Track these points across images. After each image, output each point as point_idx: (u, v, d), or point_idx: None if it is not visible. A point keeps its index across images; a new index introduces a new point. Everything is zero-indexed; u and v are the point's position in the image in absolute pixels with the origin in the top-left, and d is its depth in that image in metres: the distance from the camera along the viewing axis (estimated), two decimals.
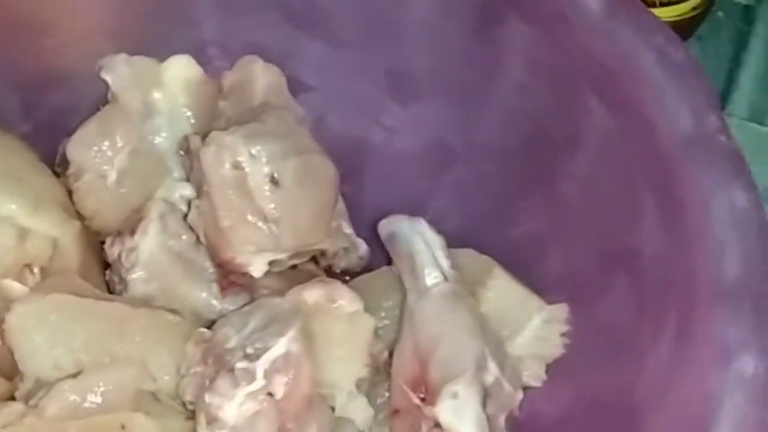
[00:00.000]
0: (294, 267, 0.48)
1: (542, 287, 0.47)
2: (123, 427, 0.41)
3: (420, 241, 0.46)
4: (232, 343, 0.41)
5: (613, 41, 0.42)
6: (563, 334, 0.46)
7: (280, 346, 0.40)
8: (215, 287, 0.47)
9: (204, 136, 0.46)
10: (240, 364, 0.40)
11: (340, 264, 0.50)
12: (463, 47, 0.48)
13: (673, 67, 0.41)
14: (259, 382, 0.39)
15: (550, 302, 0.46)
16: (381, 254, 0.51)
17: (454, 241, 0.48)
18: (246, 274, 0.46)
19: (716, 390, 0.36)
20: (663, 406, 0.39)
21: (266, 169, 0.44)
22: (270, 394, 0.40)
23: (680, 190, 0.39)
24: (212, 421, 0.40)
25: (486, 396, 0.42)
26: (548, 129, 0.46)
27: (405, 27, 0.49)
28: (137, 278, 0.47)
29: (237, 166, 0.44)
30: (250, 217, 0.44)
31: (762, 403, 0.35)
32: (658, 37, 0.41)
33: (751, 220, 0.37)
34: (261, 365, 0.40)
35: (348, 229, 0.50)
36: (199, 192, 0.46)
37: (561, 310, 0.46)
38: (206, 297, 0.47)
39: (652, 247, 0.41)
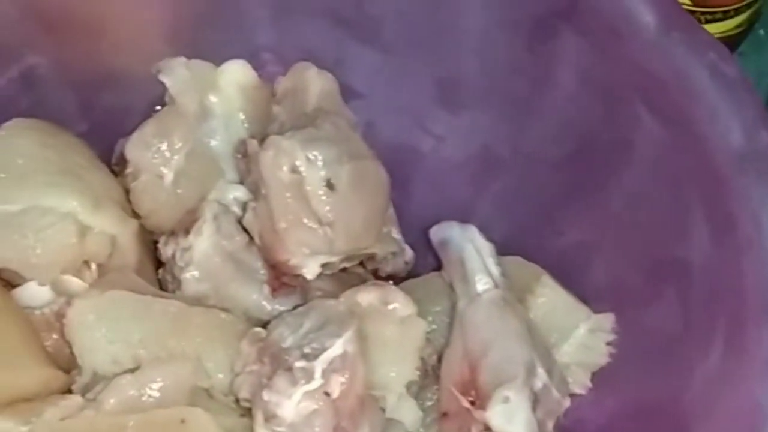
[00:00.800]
0: (344, 270, 0.49)
1: (589, 296, 0.48)
2: (183, 421, 0.42)
3: (471, 248, 0.47)
4: (288, 343, 0.42)
5: (667, 56, 0.42)
6: (609, 343, 0.47)
7: (337, 347, 0.41)
8: (266, 288, 0.48)
9: (261, 140, 0.47)
10: (298, 363, 0.41)
11: (387, 268, 0.51)
12: (515, 58, 0.49)
13: (726, 82, 0.42)
14: (317, 381, 0.40)
15: (596, 311, 0.47)
16: (425, 261, 0.52)
17: (500, 250, 0.49)
18: (299, 276, 0.47)
19: (766, 403, 0.37)
20: (711, 418, 0.40)
21: (322, 174, 0.45)
22: (327, 394, 0.41)
23: (731, 203, 0.40)
24: (270, 418, 0.40)
25: (535, 401, 0.43)
26: (597, 141, 0.47)
27: (456, 35, 0.50)
28: (191, 277, 0.48)
29: (294, 170, 0.45)
30: (305, 220, 0.45)
31: None
32: (711, 53, 0.42)
33: None
34: (319, 365, 0.41)
35: (397, 235, 0.51)
36: (256, 194, 0.47)
37: (607, 319, 0.47)
38: (257, 298, 0.48)
39: (701, 260, 0.42)
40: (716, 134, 0.41)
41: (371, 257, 0.50)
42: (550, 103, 0.49)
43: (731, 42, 0.59)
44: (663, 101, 0.43)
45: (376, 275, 0.50)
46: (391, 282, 0.51)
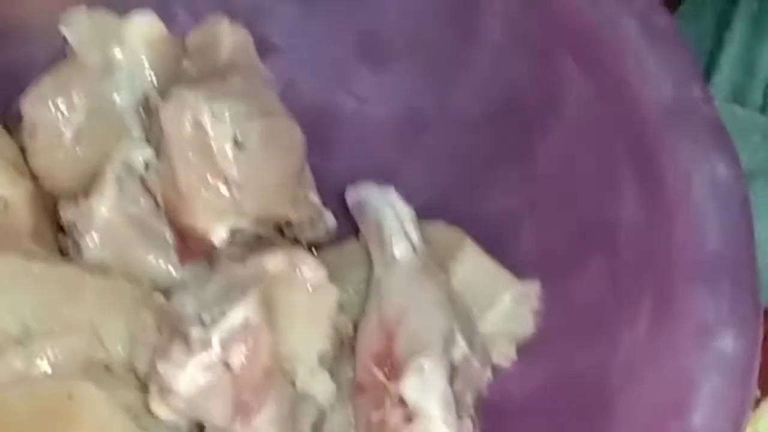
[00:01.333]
0: (259, 239, 0.46)
1: (515, 264, 0.45)
2: (70, 396, 0.39)
3: (389, 211, 0.44)
4: (188, 310, 0.39)
5: (595, 5, 0.40)
6: (535, 313, 0.44)
7: (237, 314, 0.38)
8: (174, 255, 0.45)
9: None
10: (195, 332, 0.38)
11: (307, 236, 0.48)
12: (439, 10, 0.46)
13: (656, 33, 0.39)
14: (215, 351, 0.37)
15: (523, 279, 0.45)
16: (349, 228, 0.49)
17: (424, 214, 0.46)
18: (207, 242, 0.44)
19: (694, 369, 0.35)
20: (638, 387, 0.37)
21: (229, 130, 0.42)
22: (226, 365, 0.38)
23: (660, 160, 0.38)
24: (164, 391, 0.37)
25: (453, 372, 0.40)
26: (525, 98, 0.44)
27: None
28: (91, 243, 0.45)
29: (198, 125, 0.42)
30: (211, 180, 0.42)
31: (740, 382, 0.34)
32: (641, 2, 0.40)
33: (734, 193, 0.36)
34: (217, 333, 0.38)
35: (315, 199, 0.48)
36: (159, 153, 0.44)
37: (533, 286, 0.44)
38: (164, 264, 0.45)
39: (630, 223, 0.40)
40: (645, 88, 0.38)
41: (288, 224, 0.47)
42: (476, 58, 0.46)
43: (671, 2, 0.57)
44: (590, 53, 0.40)
45: (297, 244, 0.47)
46: (313, 251, 0.48)
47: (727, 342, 0.34)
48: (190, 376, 0.37)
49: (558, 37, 0.42)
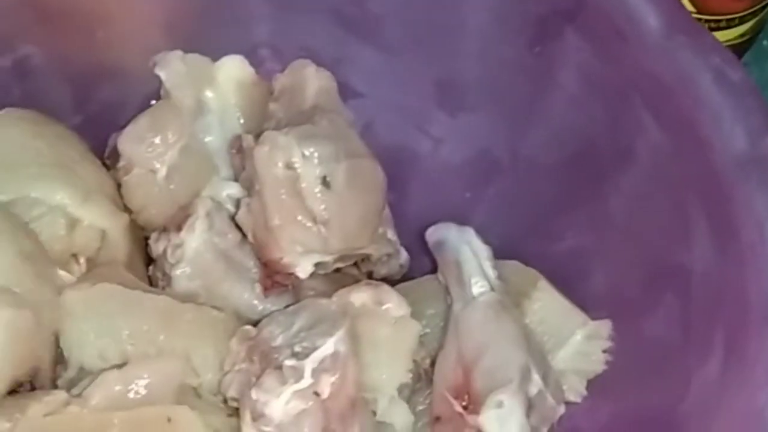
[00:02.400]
0: (338, 270, 0.48)
1: (586, 303, 0.47)
2: (169, 419, 0.41)
3: (467, 250, 0.46)
4: (278, 342, 0.41)
5: (671, 60, 0.42)
6: (606, 351, 0.46)
7: (328, 346, 0.40)
8: (258, 287, 0.47)
9: (256, 136, 0.47)
10: (288, 362, 0.40)
11: (381, 270, 0.50)
12: (516, 59, 0.48)
13: (730, 87, 0.41)
14: (307, 380, 0.40)
15: (593, 318, 0.46)
16: (420, 263, 0.51)
17: (497, 253, 0.48)
18: (291, 275, 0.46)
19: (765, 412, 0.36)
20: (709, 426, 0.39)
21: (318, 171, 0.45)
22: (316, 394, 0.40)
23: (733, 210, 0.40)
24: (258, 417, 0.40)
25: (529, 407, 0.42)
26: (598, 145, 0.46)
27: (458, 36, 0.50)
28: (181, 274, 0.47)
29: (290, 166, 0.45)
30: (299, 218, 0.45)
31: None
32: (716, 58, 0.42)
33: None
34: (309, 364, 0.40)
35: (392, 236, 0.50)
36: (250, 191, 0.46)
37: (604, 326, 0.46)
38: (248, 296, 0.48)
39: (702, 267, 0.41)
40: (719, 140, 0.40)
41: (366, 258, 0.49)
42: (550, 106, 0.48)
43: (735, 51, 0.59)
44: (666, 106, 0.42)
45: (371, 277, 0.49)
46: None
47: None
48: (283, 403, 0.39)
49: (633, 89, 0.43)
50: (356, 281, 0.48)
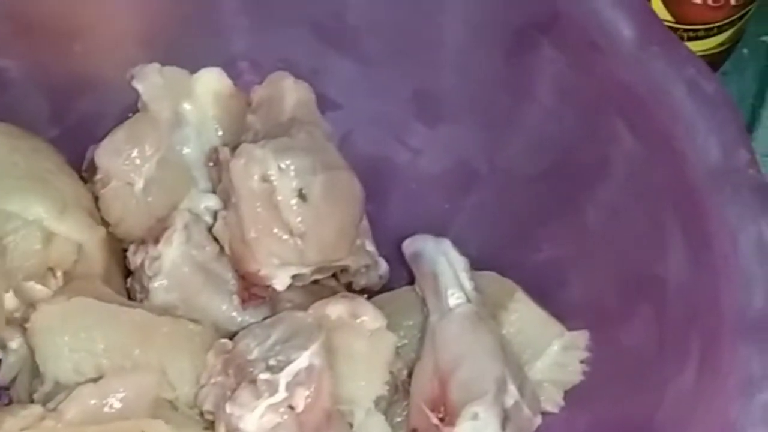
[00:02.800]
0: (316, 282, 0.48)
1: (563, 313, 0.47)
2: None
3: (444, 262, 0.46)
4: (254, 355, 0.41)
5: (645, 71, 0.42)
6: (583, 361, 0.46)
7: (303, 360, 0.40)
8: (236, 299, 0.47)
9: (233, 149, 0.47)
10: (262, 376, 0.40)
11: (360, 282, 0.50)
12: (493, 71, 0.48)
13: (705, 99, 0.41)
14: (281, 394, 0.40)
15: (570, 328, 0.47)
16: (399, 274, 0.51)
17: (475, 264, 0.48)
18: (269, 287, 0.46)
19: (739, 422, 0.36)
20: None
21: (294, 184, 0.45)
22: (291, 407, 0.40)
23: (707, 221, 0.40)
24: (233, 431, 0.39)
25: (505, 419, 0.42)
26: (575, 156, 0.46)
27: (435, 48, 0.50)
28: (159, 287, 0.47)
29: (266, 179, 0.45)
30: (276, 230, 0.45)
31: None
32: (690, 69, 0.42)
33: None
34: (283, 377, 0.40)
35: (371, 247, 0.50)
36: (227, 203, 0.46)
37: (581, 336, 0.46)
38: (227, 309, 0.48)
39: (677, 278, 0.41)
40: (694, 151, 0.40)
41: (344, 270, 0.49)
42: (527, 117, 0.48)
43: (714, 60, 0.59)
44: (641, 116, 0.42)
45: (349, 288, 0.49)
46: (365, 296, 0.50)
47: None
48: (257, 417, 0.39)
49: (608, 100, 0.44)
50: (334, 293, 0.48)
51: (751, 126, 0.59)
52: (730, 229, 0.38)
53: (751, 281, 0.37)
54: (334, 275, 0.49)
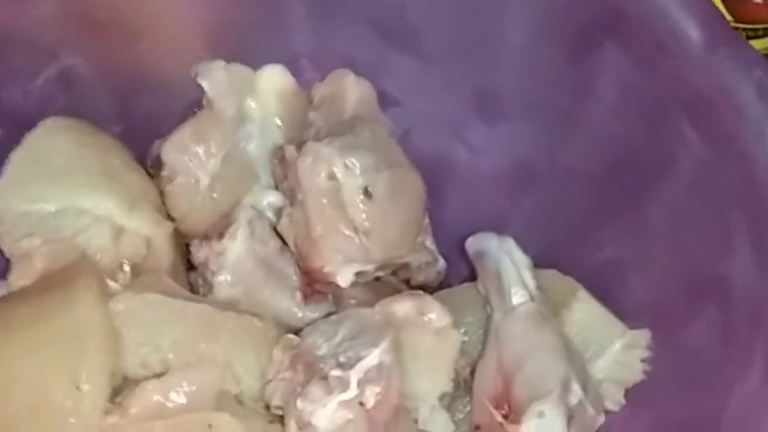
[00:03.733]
0: (377, 279, 0.49)
1: (625, 312, 0.47)
2: (210, 426, 0.41)
3: (507, 260, 0.47)
4: (322, 351, 0.42)
5: (712, 73, 0.42)
6: (644, 360, 0.46)
7: (373, 357, 0.41)
8: (298, 295, 0.48)
9: (297, 146, 0.47)
10: (334, 372, 0.41)
11: (419, 278, 0.51)
12: (556, 70, 0.48)
13: None
14: (353, 390, 0.40)
15: (632, 327, 0.47)
16: (456, 271, 0.52)
17: (535, 263, 0.48)
18: (331, 284, 0.47)
19: None
20: None
21: (360, 181, 0.45)
22: (361, 404, 0.40)
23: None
24: (304, 426, 0.40)
25: (570, 417, 0.42)
26: (638, 155, 0.46)
27: (496, 46, 0.50)
28: (223, 281, 0.48)
29: (332, 176, 0.45)
30: (341, 228, 0.45)
31: None
32: (758, 71, 0.42)
33: None
34: (354, 374, 0.40)
35: (431, 245, 0.51)
36: (293, 201, 0.47)
37: (643, 335, 0.46)
38: (288, 304, 0.48)
39: (742, 279, 0.41)
40: (762, 153, 0.40)
41: (404, 266, 0.50)
42: (589, 117, 0.48)
43: None
44: (708, 118, 0.42)
45: (408, 284, 0.50)
46: (421, 292, 0.50)
47: None
48: (329, 413, 0.40)
49: (673, 100, 0.43)
50: (395, 288, 0.49)
51: None
52: None
53: None
54: (393, 271, 0.50)
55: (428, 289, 0.51)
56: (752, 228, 0.41)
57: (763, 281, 0.40)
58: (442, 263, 0.52)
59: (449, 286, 0.51)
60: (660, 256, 0.47)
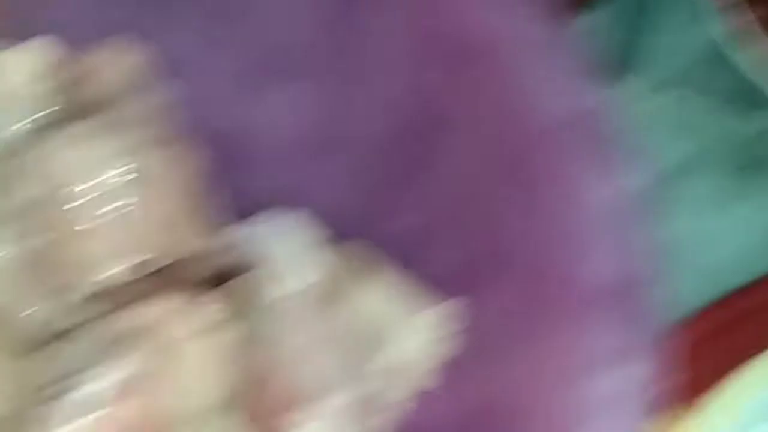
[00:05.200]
0: (158, 271, 0.44)
1: (427, 284, 0.44)
2: None
3: (282, 244, 0.43)
4: (71, 364, 0.38)
5: (479, 17, 0.38)
6: (448, 334, 0.43)
7: (128, 367, 0.37)
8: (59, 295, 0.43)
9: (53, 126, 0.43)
10: (83, 387, 0.37)
11: (207, 267, 0.46)
12: (326, 22, 0.45)
13: (546, 46, 0.38)
14: (103, 406, 0.36)
15: (436, 300, 0.43)
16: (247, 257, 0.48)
17: (330, 237, 0.45)
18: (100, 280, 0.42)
19: (583, 402, 0.34)
20: (531, 417, 0.36)
21: (125, 164, 0.41)
22: (114, 419, 0.36)
23: (542, 181, 0.37)
24: None
25: (364, 405, 0.39)
26: (422, 116, 0.43)
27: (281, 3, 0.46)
28: None
29: (91, 161, 0.41)
30: (109, 213, 0.41)
31: (631, 414, 0.33)
32: (524, 12, 0.38)
33: (623, 215, 0.34)
34: (107, 387, 0.37)
35: (218, 228, 0.46)
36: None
37: (447, 307, 0.43)
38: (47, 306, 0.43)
39: (519, 246, 0.39)
40: (531, 102, 0.37)
41: (190, 254, 0.46)
42: (374, 77, 0.44)
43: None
44: (477, 68, 0.39)
45: (185, 278, 0.46)
46: (200, 288, 0.46)
47: (619, 374, 0.33)
48: None
49: (439, 52, 0.40)
50: (178, 281, 0.44)
51: (628, 60, 0.56)
52: (573, 190, 0.35)
53: (592, 250, 0.34)
54: (179, 262, 0.46)
55: (207, 283, 0.47)
56: (524, 188, 0.38)
57: (535, 251, 0.38)
58: (234, 248, 0.47)
59: (233, 276, 0.46)
60: (458, 222, 0.43)
